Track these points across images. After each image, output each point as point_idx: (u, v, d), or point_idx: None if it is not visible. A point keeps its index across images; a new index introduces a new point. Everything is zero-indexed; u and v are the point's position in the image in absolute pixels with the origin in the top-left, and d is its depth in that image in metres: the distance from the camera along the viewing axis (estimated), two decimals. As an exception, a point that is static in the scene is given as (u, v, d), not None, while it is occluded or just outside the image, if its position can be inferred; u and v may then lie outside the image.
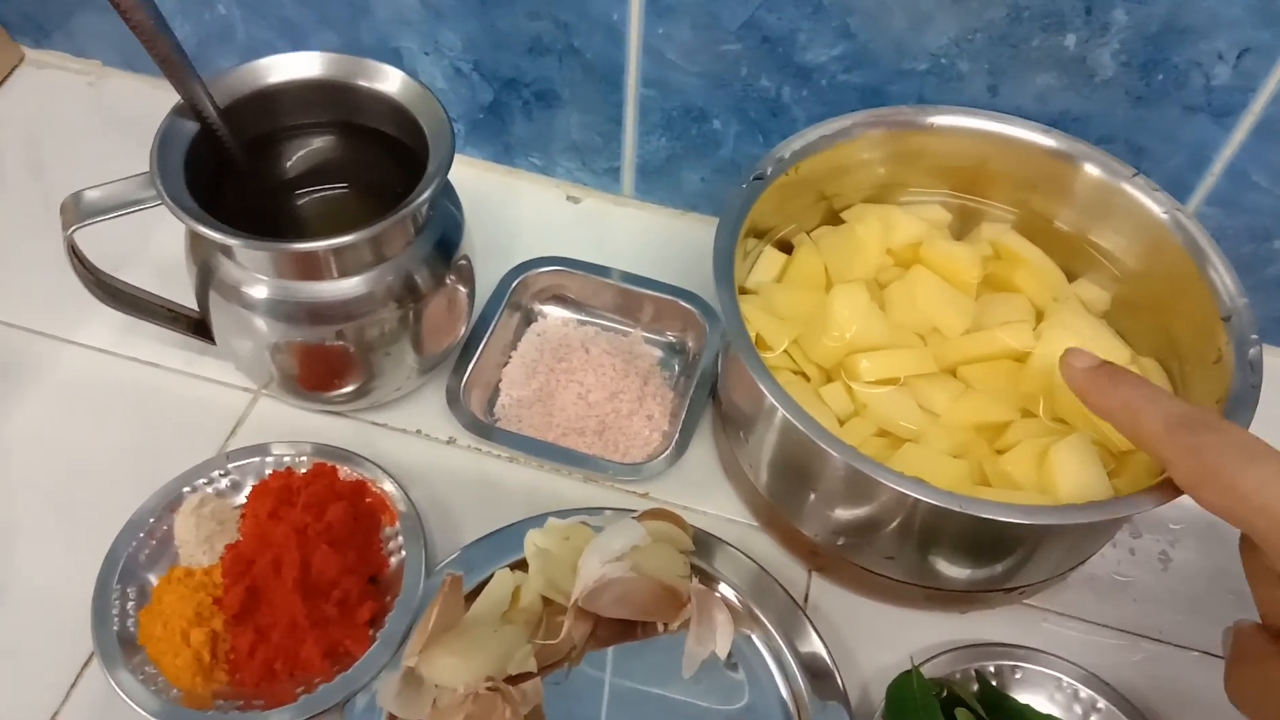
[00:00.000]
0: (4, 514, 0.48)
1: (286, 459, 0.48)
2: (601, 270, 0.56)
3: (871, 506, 0.42)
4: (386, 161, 0.48)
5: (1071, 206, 0.50)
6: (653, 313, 0.56)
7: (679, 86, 0.55)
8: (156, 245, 0.58)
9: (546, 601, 0.44)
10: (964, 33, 0.48)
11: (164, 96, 0.67)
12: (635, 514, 0.46)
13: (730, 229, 0.45)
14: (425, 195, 0.43)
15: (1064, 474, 0.41)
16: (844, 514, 0.44)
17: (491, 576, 0.45)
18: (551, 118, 0.59)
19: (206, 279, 0.45)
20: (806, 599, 0.48)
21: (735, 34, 0.51)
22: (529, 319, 0.56)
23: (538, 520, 0.47)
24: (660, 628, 0.45)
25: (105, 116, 0.66)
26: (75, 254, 0.44)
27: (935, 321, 0.48)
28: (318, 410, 0.52)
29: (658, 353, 0.55)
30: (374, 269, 0.45)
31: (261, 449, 0.49)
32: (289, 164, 0.50)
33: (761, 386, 0.40)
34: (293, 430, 0.51)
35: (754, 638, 0.46)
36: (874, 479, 0.38)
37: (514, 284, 0.55)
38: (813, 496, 0.44)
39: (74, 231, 0.42)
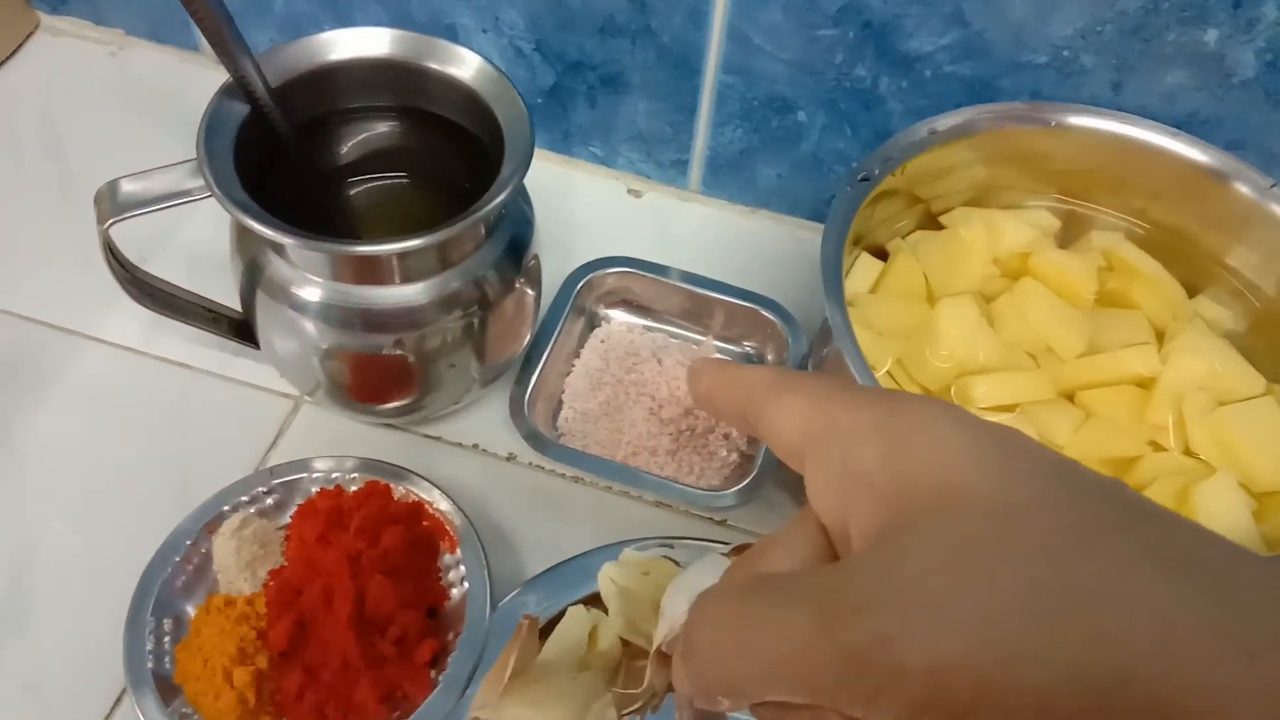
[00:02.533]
0: (23, 531, 0.44)
1: (335, 475, 0.44)
2: (672, 273, 0.51)
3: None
4: (450, 151, 0.44)
5: (1198, 218, 0.45)
6: (724, 319, 0.52)
7: (763, 74, 0.50)
8: (188, 235, 0.53)
9: (625, 644, 0.40)
10: (1093, 24, 0.43)
11: (191, 70, 0.63)
12: (724, 549, 0.41)
13: (837, 235, 0.40)
14: (502, 197, 0.38)
15: (1209, 519, 0.37)
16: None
17: (563, 614, 0.41)
18: (617, 104, 0.54)
19: (254, 277, 0.41)
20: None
21: (833, 18, 0.46)
22: (592, 324, 0.52)
23: (610, 550, 0.43)
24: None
25: (128, 90, 0.61)
26: (110, 250, 0.40)
27: (1049, 340, 0.44)
28: (367, 421, 0.48)
29: (733, 364, 0.51)
30: (440, 274, 0.41)
31: (308, 464, 0.44)
32: (343, 150, 0.45)
33: None
34: (338, 442, 0.47)
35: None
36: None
37: (579, 285, 0.51)
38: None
39: (110, 226, 0.38)
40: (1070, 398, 0.43)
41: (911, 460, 0.20)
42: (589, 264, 0.52)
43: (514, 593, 0.42)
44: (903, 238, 0.48)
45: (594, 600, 0.42)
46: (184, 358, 0.49)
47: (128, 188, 0.38)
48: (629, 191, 0.58)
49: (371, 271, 0.40)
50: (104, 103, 0.60)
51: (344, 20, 0.55)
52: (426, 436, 0.48)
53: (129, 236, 0.43)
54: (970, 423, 0.20)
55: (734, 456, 0.48)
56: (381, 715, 0.39)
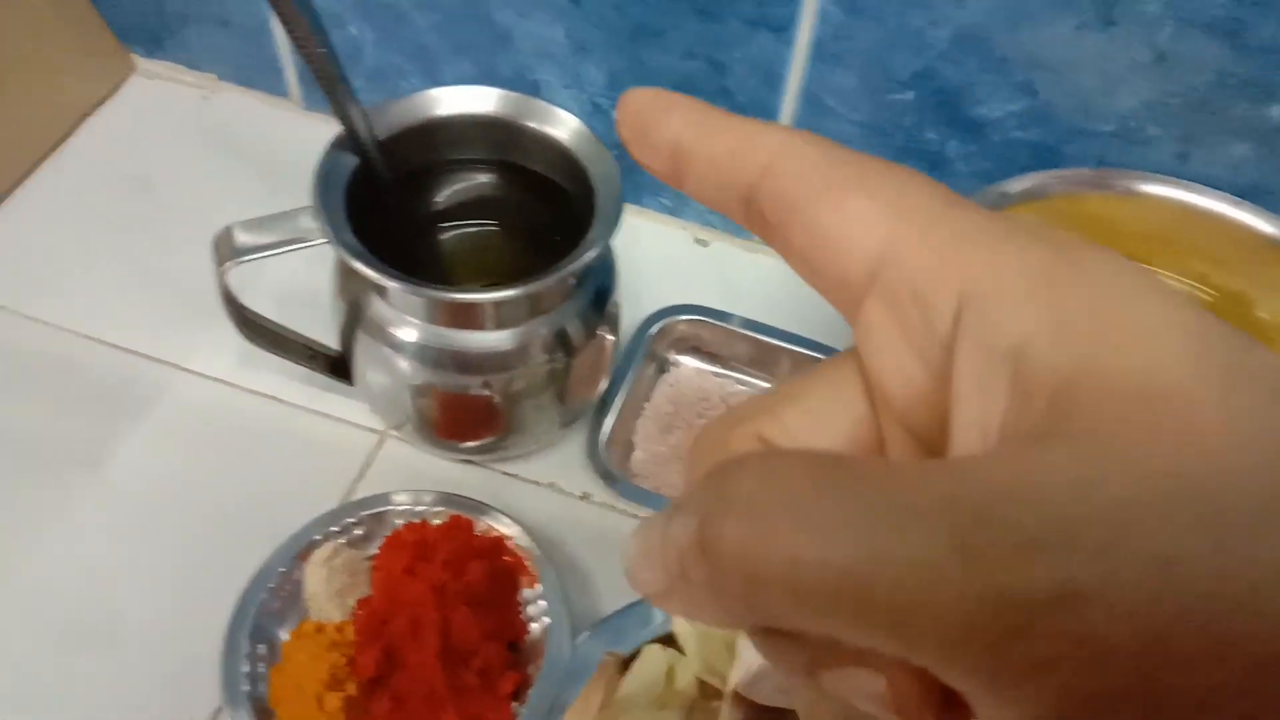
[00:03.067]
0: (117, 556, 0.46)
1: (420, 509, 0.46)
2: (742, 321, 0.53)
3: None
4: (541, 204, 0.46)
5: (1259, 285, 0.47)
6: (791, 369, 0.53)
7: (833, 134, 0.52)
8: (274, 275, 0.55)
9: (701, 683, 0.42)
10: (1160, 96, 0.45)
11: (279, 115, 0.66)
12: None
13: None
14: (594, 252, 0.40)
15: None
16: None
17: (638, 652, 0.43)
18: (689, 158, 0.56)
19: (355, 317, 0.43)
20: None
21: (906, 83, 0.49)
22: (662, 369, 0.54)
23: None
24: None
25: (217, 132, 0.64)
26: (226, 292, 0.42)
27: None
28: (449, 457, 0.50)
29: (799, 412, 0.53)
30: (529, 321, 0.43)
31: (393, 497, 0.46)
32: (438, 198, 0.47)
33: None
34: (420, 476, 0.49)
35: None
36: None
37: (651, 331, 0.53)
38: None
39: (229, 269, 0.40)
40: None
41: (1100, 344, 0.13)
42: (661, 311, 0.53)
43: (591, 630, 0.44)
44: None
45: (668, 639, 0.44)
46: (273, 390, 0.51)
47: (246, 233, 0.40)
48: (696, 241, 0.60)
49: (466, 317, 0.42)
50: (195, 145, 0.63)
51: (432, 73, 0.58)
52: (505, 474, 0.50)
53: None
54: (1181, 303, 0.14)
55: (801, 502, 0.49)
56: (465, 744, 0.40)
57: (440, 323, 0.42)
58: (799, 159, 0.16)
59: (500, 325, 0.42)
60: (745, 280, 0.59)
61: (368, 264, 0.38)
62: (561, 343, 0.44)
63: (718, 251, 0.60)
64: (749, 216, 0.17)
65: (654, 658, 0.42)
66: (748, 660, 0.42)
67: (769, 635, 0.15)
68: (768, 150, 0.16)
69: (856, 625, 0.13)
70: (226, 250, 0.40)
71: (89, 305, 0.54)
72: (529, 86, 0.56)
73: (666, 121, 0.17)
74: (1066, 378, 0.13)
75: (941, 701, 0.14)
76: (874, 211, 0.15)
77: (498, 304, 0.41)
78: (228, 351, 0.52)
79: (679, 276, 0.58)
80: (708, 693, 0.42)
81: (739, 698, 0.42)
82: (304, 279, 0.53)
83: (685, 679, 0.41)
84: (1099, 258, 0.14)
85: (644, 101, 0.17)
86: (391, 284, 0.39)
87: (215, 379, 0.52)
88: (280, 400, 0.51)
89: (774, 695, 0.42)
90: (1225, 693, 0.11)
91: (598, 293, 0.45)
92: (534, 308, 0.42)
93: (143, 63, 0.66)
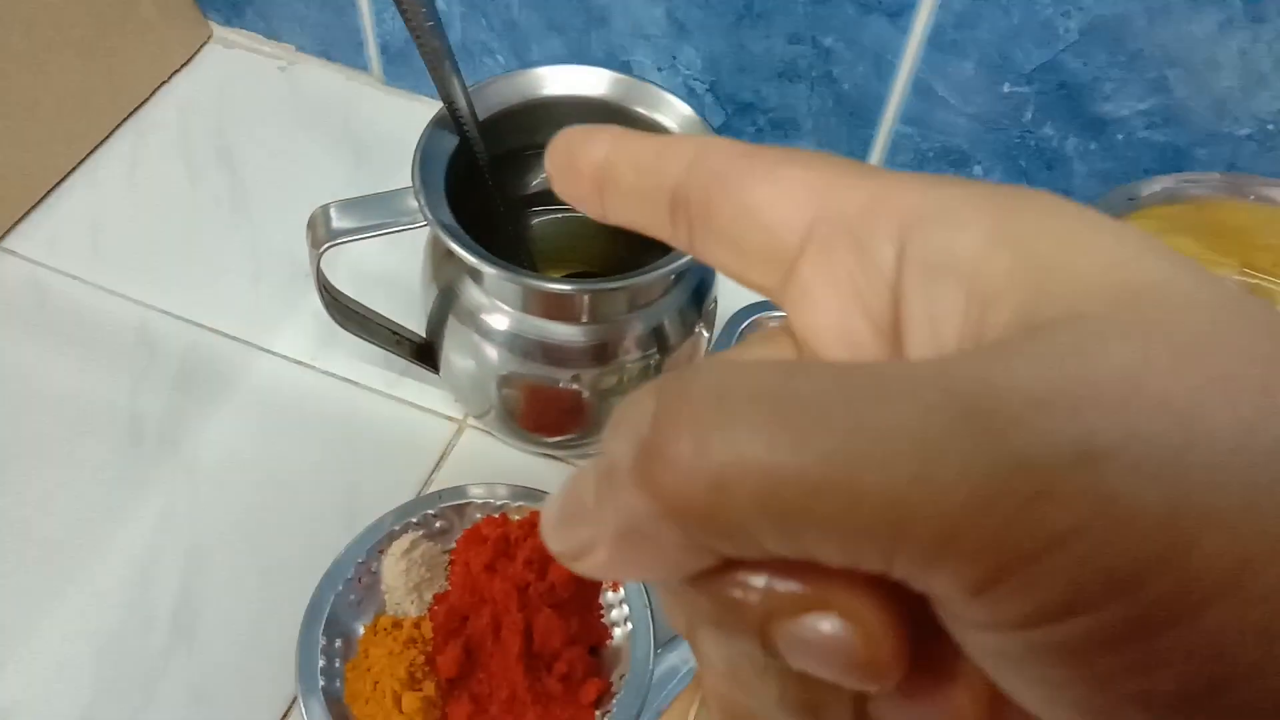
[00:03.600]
0: (192, 538, 0.45)
1: (501, 503, 0.44)
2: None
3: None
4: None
5: (1403, 302, 0.44)
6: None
7: (943, 126, 0.50)
8: (352, 257, 0.54)
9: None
10: (1308, 98, 0.42)
11: (357, 89, 0.64)
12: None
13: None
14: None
15: None
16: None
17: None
18: (784, 147, 0.54)
19: (447, 302, 0.41)
20: None
21: (1027, 76, 0.46)
22: (750, 366, 0.52)
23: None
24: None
25: (296, 104, 0.62)
26: (320, 274, 0.40)
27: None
28: (529, 450, 0.48)
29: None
30: (625, 315, 0.41)
31: (472, 490, 0.45)
32: (533, 181, 0.45)
33: None
34: (499, 468, 0.47)
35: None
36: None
37: (742, 327, 0.51)
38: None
39: (324, 251, 0.39)
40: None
41: (1060, 252, 0.12)
42: (751, 306, 0.51)
43: (676, 638, 0.42)
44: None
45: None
46: (352, 375, 0.50)
47: (341, 215, 0.39)
48: (784, 234, 0.58)
49: (562, 308, 0.40)
50: (272, 116, 0.62)
51: (520, 52, 0.56)
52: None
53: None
54: (1127, 226, 0.13)
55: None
56: (546, 752, 0.39)
57: (534, 312, 0.40)
58: (723, 149, 0.16)
59: (595, 319, 0.40)
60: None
61: (469, 250, 0.37)
62: (657, 339, 0.42)
63: (807, 245, 0.58)
64: (674, 218, 0.16)
65: (744, 671, 0.41)
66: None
67: (713, 585, 0.13)
68: (692, 146, 0.16)
69: (842, 527, 0.11)
70: (323, 232, 0.38)
71: (165, 279, 0.53)
72: (621, 68, 0.54)
73: (593, 143, 0.17)
74: (1031, 284, 0.12)
75: (911, 647, 0.12)
76: (806, 177, 0.15)
77: (595, 297, 0.39)
78: (307, 333, 0.51)
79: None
80: (800, 711, 0.40)
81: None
82: (381, 262, 0.52)
83: (778, 696, 0.40)
84: (1039, 192, 0.14)
85: (572, 134, 0.18)
86: (491, 271, 0.37)
87: (296, 361, 0.50)
88: (359, 385, 0.50)
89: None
90: (1262, 558, 0.10)
91: (696, 289, 0.43)
92: (632, 302, 0.41)
93: (220, 30, 0.65)
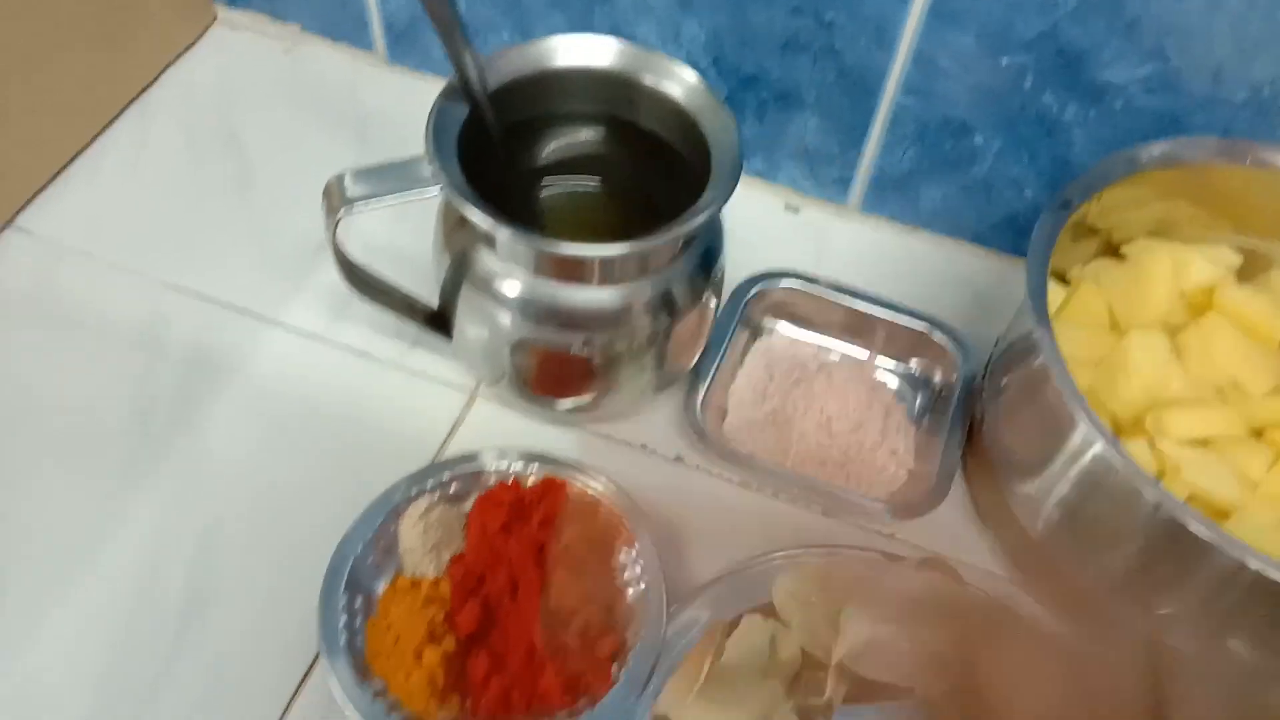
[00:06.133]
0: (209, 508, 0.45)
1: (515, 468, 0.45)
2: (840, 289, 0.52)
3: (1195, 574, 0.38)
4: (647, 162, 0.45)
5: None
6: (887, 337, 0.52)
7: (944, 96, 0.50)
8: (362, 230, 0.55)
9: (805, 655, 0.41)
10: (1301, 62, 0.43)
11: (362, 69, 0.65)
12: (913, 562, 0.42)
13: (1041, 260, 0.41)
14: (710, 211, 0.39)
15: None
16: (1148, 577, 0.40)
17: (738, 621, 0.42)
18: (786, 121, 0.55)
19: (460, 269, 0.42)
20: (1071, 670, 0.44)
21: (1026, 45, 0.47)
22: (755, 335, 0.53)
23: (779, 558, 0.43)
24: (920, 694, 0.41)
25: (301, 85, 0.63)
26: (335, 240, 0.41)
27: (1237, 377, 0.43)
28: (539, 417, 0.49)
29: (896, 382, 0.51)
30: (637, 280, 0.42)
31: (486, 455, 0.45)
32: (543, 151, 0.46)
33: (1084, 423, 0.37)
34: (511, 435, 0.48)
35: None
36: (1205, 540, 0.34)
37: (748, 297, 0.52)
38: (1113, 556, 0.40)
39: (340, 218, 0.39)
40: (1259, 435, 0.43)
41: None
42: (758, 275, 0.52)
43: (691, 599, 0.43)
44: (1082, 265, 0.48)
45: (768, 609, 0.43)
46: (364, 346, 0.51)
47: (355, 182, 0.39)
48: (787, 207, 0.59)
49: (574, 271, 0.41)
50: (279, 96, 0.62)
51: (524, 28, 0.56)
52: (596, 434, 0.49)
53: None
54: None
55: (902, 473, 0.48)
56: (564, 705, 0.40)
57: (547, 275, 0.41)
58: None
59: (606, 282, 0.41)
60: (836, 246, 0.57)
61: (484, 212, 0.37)
62: (666, 304, 0.43)
63: (809, 218, 0.59)
64: None
65: (756, 627, 0.41)
66: (853, 634, 0.41)
67: None
68: None
69: None
70: (338, 199, 0.39)
71: (174, 256, 0.53)
72: (626, 42, 0.54)
73: None
74: None
75: None
76: None
77: (606, 260, 0.40)
78: (318, 307, 0.52)
79: (770, 243, 0.57)
80: (811, 664, 0.41)
81: (843, 670, 0.41)
82: (391, 236, 0.52)
83: (789, 650, 0.41)
84: None
85: None
86: (506, 233, 0.38)
87: (307, 333, 0.51)
88: (371, 356, 0.51)
89: (878, 669, 0.41)
90: None
91: (705, 255, 0.44)
92: (642, 267, 0.41)
93: (224, 12, 0.66)
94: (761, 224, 0.58)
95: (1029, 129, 0.50)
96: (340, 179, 0.39)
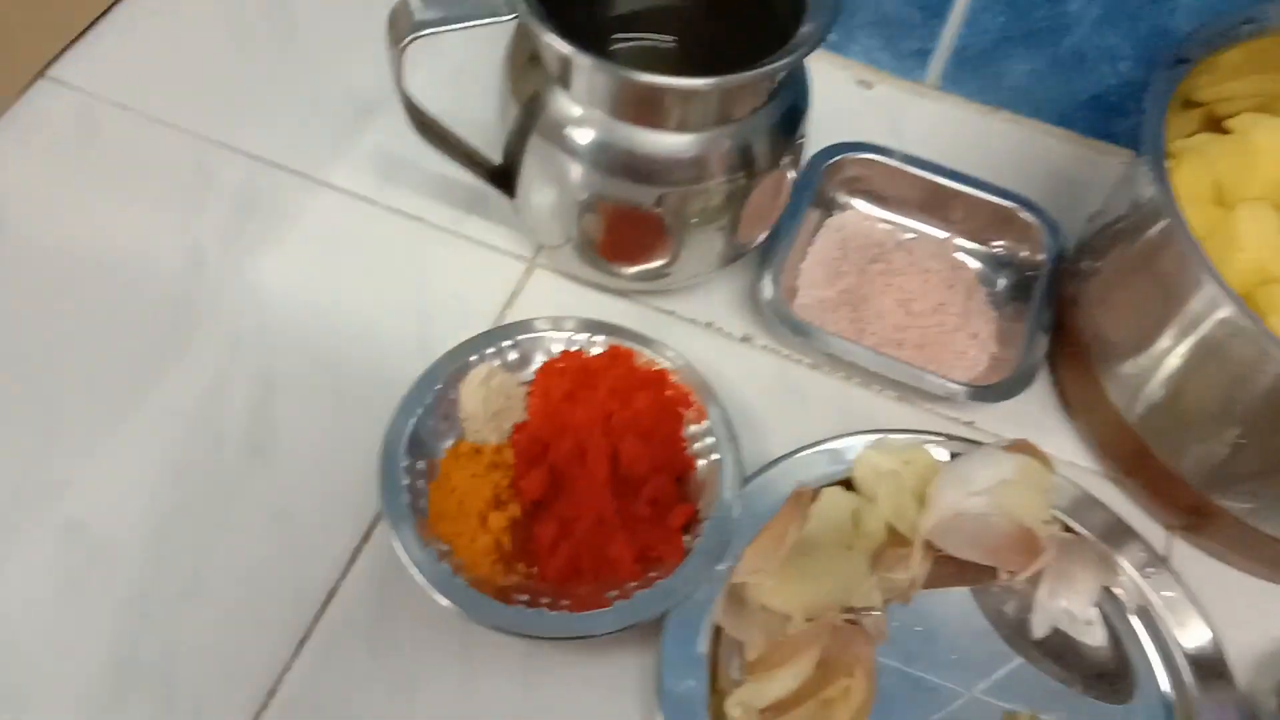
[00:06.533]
0: (262, 363, 0.43)
1: (579, 337, 0.43)
2: (918, 163, 0.49)
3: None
4: (726, 20, 0.42)
5: None
6: (966, 216, 0.49)
7: (1041, -45, 0.47)
8: (420, 86, 0.52)
9: (890, 530, 0.39)
10: None
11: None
12: (1001, 443, 0.40)
13: (1158, 117, 0.38)
14: (802, 51, 0.36)
15: None
16: (1250, 463, 0.37)
17: (818, 494, 0.40)
18: (865, -15, 0.52)
19: (530, 117, 0.39)
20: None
21: (1140, -105, 0.43)
22: (829, 211, 0.50)
23: (855, 439, 0.41)
24: (1005, 576, 0.39)
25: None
26: (399, 72, 0.38)
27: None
28: (599, 289, 0.46)
29: (976, 264, 0.49)
30: (716, 128, 0.39)
31: (549, 323, 0.43)
32: (619, 4, 0.43)
33: (1210, 285, 0.35)
34: (570, 307, 0.46)
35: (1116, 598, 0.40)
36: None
37: (821, 170, 0.49)
38: (1217, 441, 0.38)
39: (407, 43, 0.36)
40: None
41: None
42: (832, 147, 0.49)
43: (763, 468, 0.41)
44: (1184, 139, 0.45)
45: (846, 484, 0.41)
46: (417, 211, 0.48)
47: (423, 7, 0.36)
48: (859, 82, 0.56)
49: (653, 109, 0.38)
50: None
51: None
52: (659, 310, 0.47)
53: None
54: None
55: (983, 357, 0.45)
56: (634, 574, 0.38)
57: (624, 117, 0.38)
58: None
59: (684, 127, 0.38)
60: (911, 126, 0.54)
61: (561, 37, 0.34)
62: (745, 161, 0.40)
63: (882, 95, 0.55)
64: None
65: (837, 500, 0.40)
66: (941, 509, 0.39)
67: None
68: None
69: None
70: (405, 23, 0.36)
71: (219, 111, 0.51)
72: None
73: None
74: None
75: None
76: None
77: (688, 96, 0.37)
78: (369, 168, 0.49)
79: (841, 119, 0.53)
80: (895, 539, 0.39)
81: (930, 546, 0.39)
82: (449, 97, 0.49)
83: (873, 523, 0.39)
84: None
85: None
86: (586, 61, 0.35)
87: (359, 195, 0.49)
88: (424, 220, 0.48)
89: (964, 546, 0.39)
90: None
91: (789, 112, 0.41)
92: (724, 112, 0.38)
93: None
94: (832, 101, 0.54)
95: (1131, -10, 0.47)
96: (406, 4, 0.36)
